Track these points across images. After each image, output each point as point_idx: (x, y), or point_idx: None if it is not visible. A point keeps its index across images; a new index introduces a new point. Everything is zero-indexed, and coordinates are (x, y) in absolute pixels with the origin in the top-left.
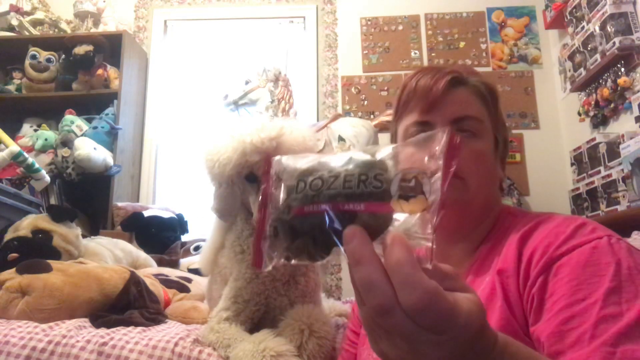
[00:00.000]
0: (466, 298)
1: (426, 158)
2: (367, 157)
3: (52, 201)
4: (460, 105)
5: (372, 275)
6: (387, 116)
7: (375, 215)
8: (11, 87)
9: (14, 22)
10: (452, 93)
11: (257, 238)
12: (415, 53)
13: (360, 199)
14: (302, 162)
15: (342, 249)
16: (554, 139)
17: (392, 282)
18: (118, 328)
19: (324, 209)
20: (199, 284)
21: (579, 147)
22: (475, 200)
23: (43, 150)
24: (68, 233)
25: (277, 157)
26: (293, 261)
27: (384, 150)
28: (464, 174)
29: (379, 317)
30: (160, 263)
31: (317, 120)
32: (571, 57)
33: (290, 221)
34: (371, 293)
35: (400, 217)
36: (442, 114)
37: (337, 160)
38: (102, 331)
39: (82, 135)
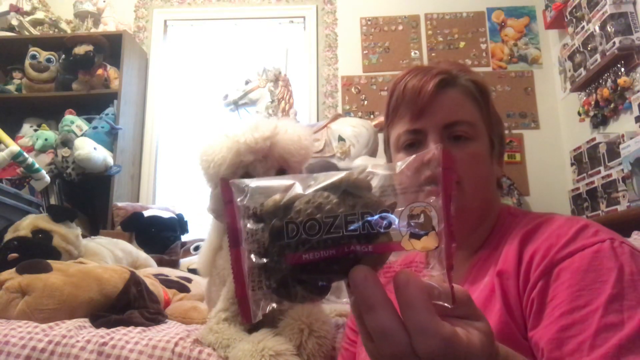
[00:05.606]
0: (478, 332)
1: (425, 183)
2: (363, 189)
3: (52, 201)
4: (451, 110)
5: (387, 322)
6: None
7: (384, 255)
8: (11, 87)
9: (14, 22)
10: (442, 96)
11: (239, 289)
12: (415, 53)
13: (367, 241)
14: (275, 188)
15: (346, 288)
16: (554, 139)
17: (407, 327)
18: (118, 328)
19: (327, 255)
20: (199, 284)
21: (579, 147)
22: (473, 205)
23: (43, 150)
24: (68, 233)
25: (237, 182)
26: (285, 303)
27: (379, 179)
28: (459, 179)
29: None
30: (160, 263)
31: (317, 120)
32: (571, 57)
33: (285, 271)
34: (386, 341)
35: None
36: (432, 120)
37: (324, 190)
38: (102, 331)
39: (82, 135)
